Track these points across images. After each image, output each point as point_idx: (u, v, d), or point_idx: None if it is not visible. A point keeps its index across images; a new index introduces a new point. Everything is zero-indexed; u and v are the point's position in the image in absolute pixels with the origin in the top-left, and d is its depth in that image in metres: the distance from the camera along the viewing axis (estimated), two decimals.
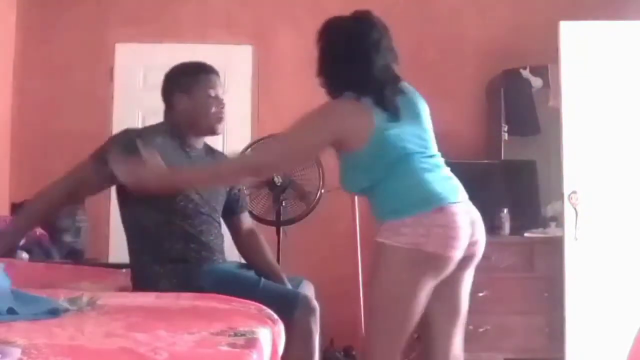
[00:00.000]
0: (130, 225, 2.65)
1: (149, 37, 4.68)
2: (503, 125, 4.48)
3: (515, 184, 4.45)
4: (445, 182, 2.23)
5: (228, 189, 2.80)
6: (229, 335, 1.77)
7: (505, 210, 4.19)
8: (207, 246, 2.62)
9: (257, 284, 2.52)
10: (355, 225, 3.73)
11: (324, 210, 3.72)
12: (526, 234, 4.20)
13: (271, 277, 2.69)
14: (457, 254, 2.15)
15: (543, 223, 4.31)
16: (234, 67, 4.59)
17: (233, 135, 4.18)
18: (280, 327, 2.14)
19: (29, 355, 1.50)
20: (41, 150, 4.64)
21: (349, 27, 2.26)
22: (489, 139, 4.64)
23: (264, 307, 2.17)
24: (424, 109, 2.32)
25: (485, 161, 4.52)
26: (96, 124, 4.50)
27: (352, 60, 2.22)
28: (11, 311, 1.90)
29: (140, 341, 1.66)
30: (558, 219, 4.15)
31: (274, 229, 3.71)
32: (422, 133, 2.26)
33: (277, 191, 3.64)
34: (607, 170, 3.97)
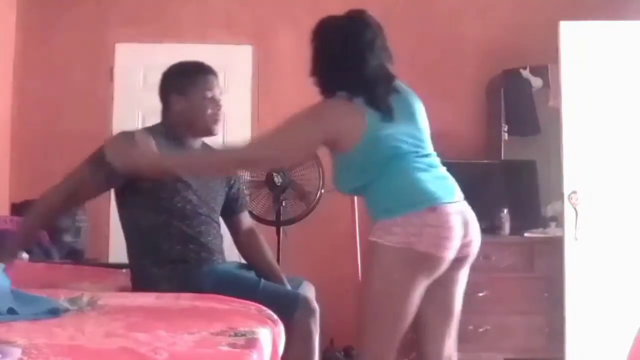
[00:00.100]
0: (129, 227, 2.65)
1: (149, 37, 4.68)
2: (503, 125, 4.48)
3: (515, 184, 4.45)
4: (440, 181, 2.22)
5: (227, 189, 2.80)
6: (229, 336, 1.78)
7: (505, 210, 4.19)
8: (206, 247, 2.62)
9: (257, 285, 2.52)
10: (355, 225, 3.74)
11: (324, 210, 3.72)
12: (526, 234, 4.20)
13: (270, 276, 2.69)
14: (450, 254, 2.14)
15: (543, 223, 4.30)
16: (234, 67, 4.59)
17: (233, 135, 4.17)
18: (281, 328, 2.14)
19: (29, 355, 1.50)
20: (41, 150, 4.64)
21: (343, 27, 2.26)
22: (489, 139, 4.64)
23: (264, 308, 2.17)
24: (419, 108, 2.31)
25: (485, 161, 4.52)
26: (96, 124, 4.50)
27: (346, 60, 2.22)
28: (11, 311, 1.90)
29: (141, 341, 1.66)
30: (558, 219, 4.15)
31: (274, 229, 3.71)
32: (416, 132, 2.25)
33: (277, 191, 3.64)
34: (607, 170, 3.97)
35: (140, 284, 2.56)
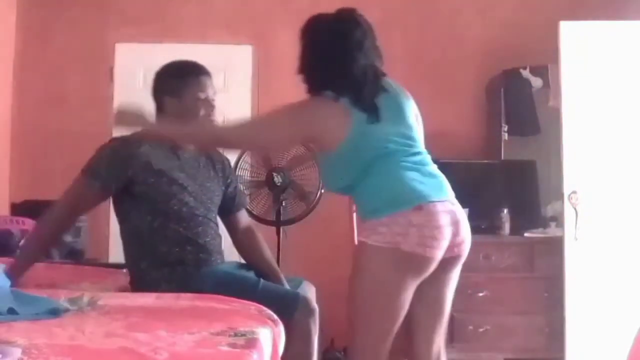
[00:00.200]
0: (127, 231, 2.65)
1: (149, 37, 4.68)
2: (503, 125, 4.48)
3: (515, 184, 4.45)
4: (428, 179, 2.19)
5: (224, 188, 2.80)
6: (229, 336, 1.77)
7: (505, 210, 4.19)
8: (204, 248, 2.61)
9: (257, 285, 2.51)
10: (353, 225, 3.73)
11: (324, 210, 3.72)
12: (526, 234, 4.19)
13: (269, 274, 2.69)
14: (438, 254, 2.12)
15: (543, 223, 4.30)
16: (234, 67, 4.60)
17: None
18: (281, 328, 2.14)
19: (29, 355, 1.50)
20: (41, 150, 4.65)
21: (331, 26, 2.25)
22: (489, 139, 4.64)
23: (264, 308, 2.17)
24: (409, 106, 2.29)
25: (485, 161, 4.52)
26: (96, 124, 4.49)
27: (333, 59, 2.21)
28: (11, 311, 1.90)
29: (141, 341, 1.66)
30: (558, 219, 4.15)
31: (274, 229, 3.70)
32: (405, 131, 2.24)
33: (277, 191, 3.63)
34: (607, 170, 3.97)
35: (139, 286, 2.55)
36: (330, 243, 4.30)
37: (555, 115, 4.06)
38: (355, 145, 2.16)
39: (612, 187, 3.97)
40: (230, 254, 2.92)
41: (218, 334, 1.79)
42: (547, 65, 4.35)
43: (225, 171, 2.83)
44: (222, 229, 2.83)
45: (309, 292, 2.72)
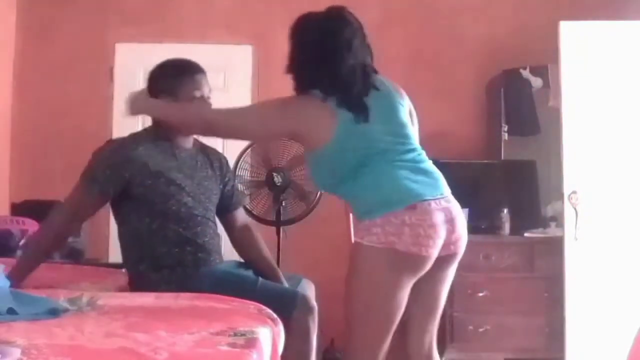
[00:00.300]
0: (126, 234, 2.66)
1: (149, 37, 4.67)
2: (503, 125, 4.48)
3: (515, 184, 4.45)
4: (422, 177, 2.18)
5: (221, 186, 2.80)
6: (229, 335, 1.77)
7: (505, 210, 4.19)
8: (203, 248, 2.61)
9: (255, 284, 2.52)
10: (349, 225, 3.72)
11: (324, 210, 3.72)
12: (526, 234, 4.19)
13: (267, 272, 2.70)
14: (433, 252, 2.11)
15: (543, 223, 4.30)
16: (234, 67, 4.60)
17: None
18: (280, 327, 2.14)
19: (29, 355, 1.50)
20: (41, 150, 4.65)
21: (320, 24, 2.24)
22: (489, 139, 4.64)
23: (264, 307, 2.17)
24: (401, 104, 2.28)
25: (485, 161, 4.52)
26: (96, 124, 4.50)
27: (321, 59, 2.20)
28: (11, 311, 1.90)
29: (140, 341, 1.66)
30: (558, 219, 4.15)
31: (274, 229, 3.70)
32: (397, 129, 2.23)
33: (277, 191, 3.63)
34: (607, 170, 3.97)
35: (138, 288, 2.55)
36: (330, 243, 4.29)
37: (555, 115, 4.06)
38: (341, 145, 2.15)
39: (612, 187, 3.97)
40: (230, 254, 2.92)
41: (218, 333, 1.79)
42: (547, 65, 4.35)
43: (222, 169, 2.83)
44: (221, 228, 2.83)
45: (308, 289, 2.72)
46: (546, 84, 4.41)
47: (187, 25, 4.74)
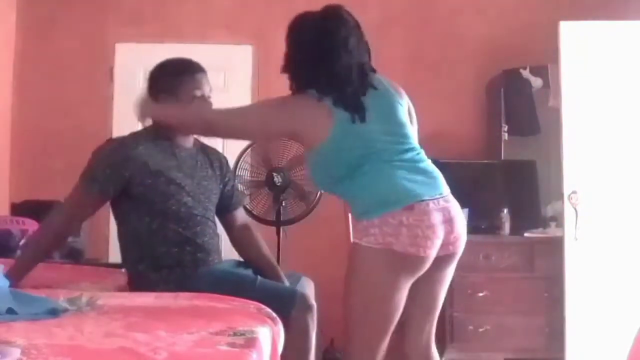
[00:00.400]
0: (125, 233, 2.65)
1: (149, 37, 4.68)
2: (503, 125, 4.48)
3: (515, 184, 4.45)
4: (420, 176, 2.16)
5: (221, 186, 2.80)
6: (229, 335, 1.77)
7: (505, 210, 4.19)
8: (203, 248, 2.61)
9: (254, 283, 2.51)
10: (348, 225, 3.72)
11: (324, 210, 3.72)
12: (526, 234, 4.19)
13: (267, 270, 2.70)
14: (431, 253, 2.10)
15: (543, 223, 4.30)
16: (234, 67, 4.59)
17: None
18: (280, 327, 2.14)
19: (28, 355, 1.50)
20: (41, 150, 4.65)
21: (315, 24, 2.23)
22: (489, 139, 4.64)
23: (264, 306, 2.17)
24: (400, 103, 2.26)
25: (485, 161, 4.52)
26: (96, 124, 4.50)
27: (317, 58, 2.19)
28: (11, 311, 1.90)
29: (140, 341, 1.66)
30: (558, 219, 4.15)
31: (274, 229, 3.70)
32: (395, 128, 2.21)
33: (277, 191, 3.63)
34: (607, 170, 3.97)
35: (137, 288, 2.55)
36: (330, 243, 4.29)
37: (555, 115, 4.06)
38: (338, 145, 2.14)
39: (612, 187, 3.97)
40: (229, 253, 2.92)
41: (217, 333, 1.79)
42: (547, 65, 4.35)
43: (222, 169, 2.83)
44: (220, 228, 2.82)
45: (308, 287, 2.72)
46: (546, 84, 4.41)
47: (187, 25, 4.74)
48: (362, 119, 2.15)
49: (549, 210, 4.34)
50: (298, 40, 2.24)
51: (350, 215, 3.67)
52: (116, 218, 2.69)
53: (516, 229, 4.20)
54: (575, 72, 3.97)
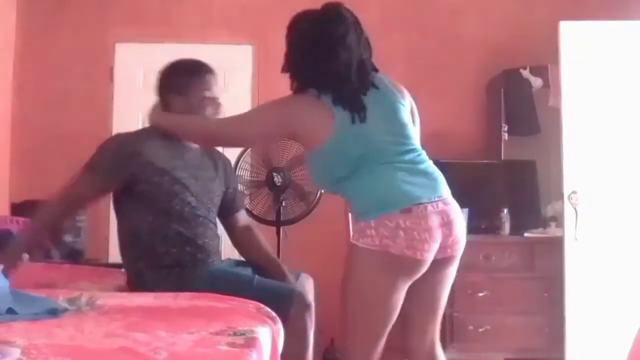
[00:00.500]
0: (126, 231, 2.65)
1: (149, 37, 4.68)
2: (503, 125, 4.48)
3: (515, 184, 4.45)
4: (420, 178, 2.15)
5: (224, 189, 2.80)
6: (229, 335, 1.77)
7: (505, 210, 4.19)
8: (203, 249, 2.61)
9: (251, 282, 2.51)
10: (348, 225, 3.72)
11: (324, 210, 3.71)
12: (526, 234, 4.19)
13: (271, 268, 2.70)
14: (428, 256, 2.09)
15: (543, 223, 4.30)
16: (234, 67, 4.59)
17: None
18: (280, 326, 2.14)
19: (28, 355, 1.49)
20: (41, 150, 4.64)
21: (313, 22, 2.21)
22: (489, 139, 4.64)
23: (263, 306, 2.17)
24: (402, 103, 2.24)
25: (485, 161, 4.52)
26: (96, 124, 4.50)
27: (314, 56, 2.18)
28: (11, 311, 1.90)
29: (140, 341, 1.66)
30: (558, 219, 4.15)
31: (274, 229, 3.70)
32: (396, 129, 2.20)
33: (277, 191, 3.63)
34: (607, 170, 3.97)
35: (136, 287, 2.55)
36: (330, 243, 4.28)
37: (555, 115, 4.06)
38: (339, 145, 2.13)
39: (612, 187, 3.97)
40: (229, 254, 2.92)
41: (217, 333, 1.78)
42: (547, 65, 4.35)
43: (226, 171, 2.84)
44: (220, 230, 2.82)
45: (307, 284, 2.72)
46: (546, 84, 4.41)
47: (188, 25, 4.74)
48: (363, 119, 2.13)
49: (549, 210, 4.33)
50: (296, 39, 2.23)
51: (350, 214, 3.68)
52: (117, 214, 2.68)
53: (516, 229, 4.20)
54: (575, 72, 3.97)
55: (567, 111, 3.98)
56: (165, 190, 2.57)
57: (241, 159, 3.65)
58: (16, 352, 1.49)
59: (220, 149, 2.92)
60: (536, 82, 4.47)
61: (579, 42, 3.96)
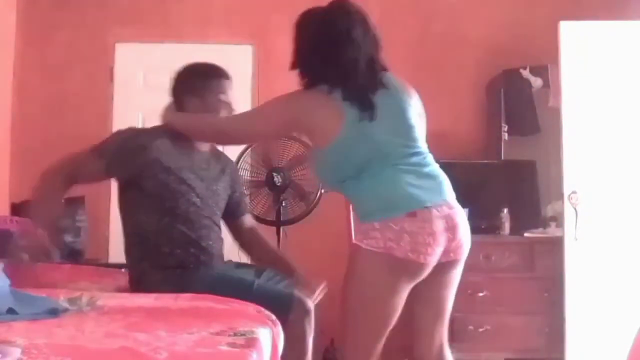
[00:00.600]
0: (131, 229, 2.64)
1: (149, 37, 4.68)
2: (503, 125, 4.48)
3: (515, 184, 4.45)
4: (426, 182, 2.14)
5: (230, 192, 2.81)
6: (229, 335, 1.77)
7: (505, 210, 4.19)
8: (206, 251, 2.61)
9: (251, 287, 2.51)
10: (350, 225, 3.72)
11: (323, 210, 3.72)
12: (526, 234, 4.19)
13: (280, 266, 2.73)
14: (431, 260, 2.08)
15: (543, 223, 4.30)
16: (234, 67, 4.55)
17: None
18: (280, 328, 2.14)
19: (29, 355, 1.50)
20: (41, 150, 4.62)
21: (319, 17, 2.22)
22: (489, 139, 4.64)
23: (263, 308, 2.17)
24: (411, 104, 2.24)
25: (485, 161, 4.52)
26: (96, 124, 4.50)
27: (321, 51, 2.18)
28: (11, 311, 1.90)
29: (141, 341, 1.66)
30: (558, 219, 4.15)
31: (274, 229, 3.70)
32: (404, 131, 2.19)
33: (277, 191, 3.63)
34: (607, 170, 3.97)
35: (138, 286, 2.55)
36: (330, 243, 4.29)
37: (555, 115, 4.06)
38: (348, 144, 2.12)
39: (612, 187, 3.97)
40: (230, 255, 2.91)
41: (217, 333, 1.79)
42: (547, 65, 4.35)
43: (232, 175, 2.85)
44: (224, 232, 2.82)
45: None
46: (546, 84, 4.41)
47: (187, 25, 4.74)
48: (371, 117, 2.12)
49: (549, 210, 4.34)
50: (303, 35, 2.23)
51: (352, 214, 3.68)
52: (123, 213, 2.67)
53: (516, 229, 4.20)
54: (575, 72, 3.97)
55: (567, 111, 3.98)
56: (172, 189, 2.57)
57: (241, 159, 3.65)
58: (16, 352, 1.49)
59: (220, 148, 2.92)
60: (536, 82, 4.47)
61: (579, 42, 3.96)
